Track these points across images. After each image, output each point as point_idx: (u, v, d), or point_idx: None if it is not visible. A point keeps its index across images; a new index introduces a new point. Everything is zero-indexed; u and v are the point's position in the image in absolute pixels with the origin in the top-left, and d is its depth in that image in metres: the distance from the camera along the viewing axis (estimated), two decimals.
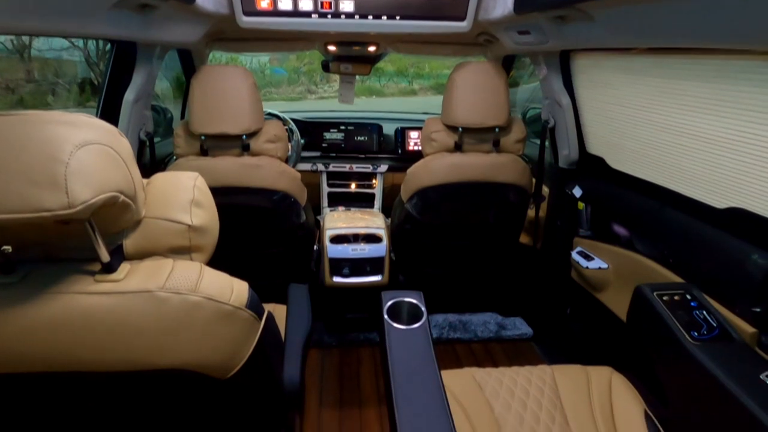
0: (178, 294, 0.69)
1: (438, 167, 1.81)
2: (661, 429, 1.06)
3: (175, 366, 0.72)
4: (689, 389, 1.04)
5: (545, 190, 2.09)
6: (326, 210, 2.56)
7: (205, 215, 0.79)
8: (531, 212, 2.08)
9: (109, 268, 0.69)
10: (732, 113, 1.10)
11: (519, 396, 1.18)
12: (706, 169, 1.22)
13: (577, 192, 1.81)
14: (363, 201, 2.60)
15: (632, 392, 1.16)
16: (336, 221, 2.05)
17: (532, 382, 1.22)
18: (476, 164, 1.80)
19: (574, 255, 1.80)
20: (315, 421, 1.65)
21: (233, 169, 1.66)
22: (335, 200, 2.60)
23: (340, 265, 1.89)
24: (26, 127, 0.58)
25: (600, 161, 1.73)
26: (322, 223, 2.12)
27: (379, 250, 1.90)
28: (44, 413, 0.82)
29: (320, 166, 2.55)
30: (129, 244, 0.73)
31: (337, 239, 1.92)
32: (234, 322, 0.76)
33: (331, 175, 2.59)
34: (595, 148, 1.78)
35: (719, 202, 1.21)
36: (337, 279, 1.90)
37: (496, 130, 1.78)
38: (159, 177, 0.80)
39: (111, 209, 0.65)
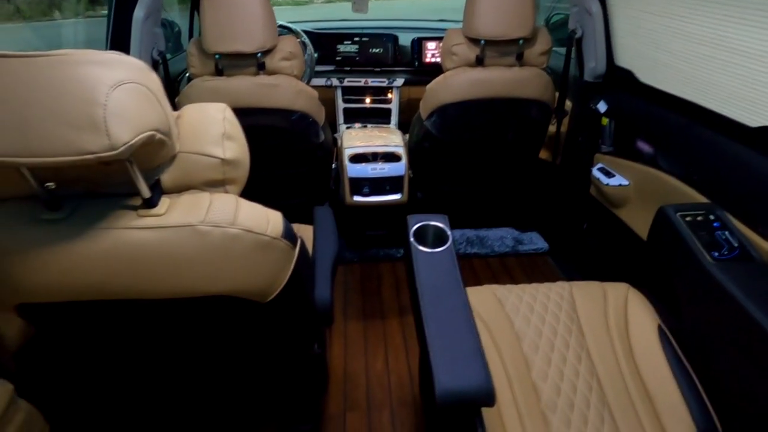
0: (218, 227, 0.72)
1: (458, 83, 1.76)
2: (674, 342, 1.11)
3: (218, 293, 0.77)
4: (705, 306, 1.08)
5: (567, 104, 2.03)
6: (342, 127, 2.53)
7: (236, 148, 0.79)
8: (552, 128, 2.04)
9: (150, 203, 0.71)
10: None
11: (538, 311, 1.23)
12: (742, 86, 1.18)
13: (602, 107, 1.75)
14: (379, 117, 2.56)
15: (647, 307, 1.21)
16: (354, 139, 2.04)
17: (551, 297, 1.27)
18: (498, 80, 1.74)
19: (595, 171, 1.79)
20: (341, 332, 1.75)
21: (249, 89, 1.63)
22: (351, 116, 2.56)
23: (360, 185, 1.91)
24: (59, 68, 0.57)
25: (628, 75, 1.66)
26: (339, 142, 2.11)
27: (399, 168, 1.91)
28: (100, 336, 0.89)
29: (335, 81, 2.48)
30: (166, 179, 0.75)
31: (356, 158, 1.92)
32: (272, 252, 0.79)
33: (346, 90, 2.53)
34: (624, 60, 1.70)
35: (752, 120, 1.17)
36: (357, 198, 1.92)
37: (520, 42, 1.70)
38: (188, 110, 0.79)
39: (148, 147, 0.66)
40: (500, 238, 2.32)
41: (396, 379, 1.57)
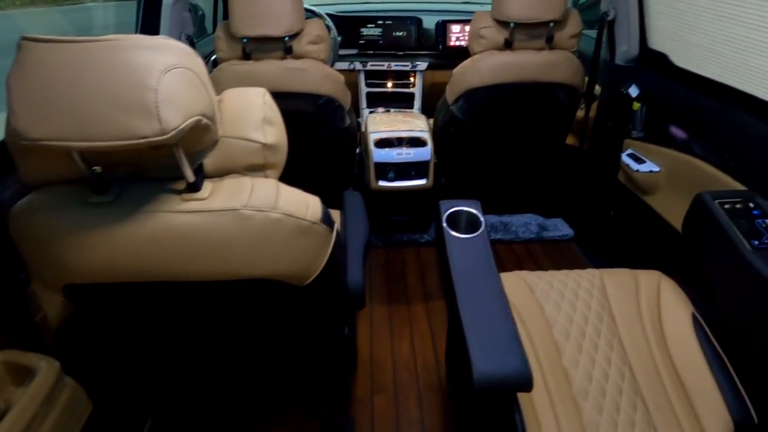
0: (260, 212, 0.72)
1: (486, 67, 1.73)
2: (708, 331, 1.10)
3: (259, 276, 0.78)
4: (743, 296, 1.06)
5: (596, 89, 1.99)
6: (365, 112, 2.52)
7: (276, 132, 0.80)
8: (579, 113, 2.01)
9: (194, 188, 0.72)
10: None
11: (568, 298, 1.23)
12: None
13: (634, 91, 1.72)
14: (402, 101, 2.54)
15: (680, 295, 1.20)
16: (378, 124, 2.03)
17: (581, 284, 1.26)
18: (527, 63, 1.71)
19: (624, 157, 1.76)
20: (366, 316, 1.77)
21: (277, 73, 1.63)
22: (373, 101, 2.55)
23: (385, 170, 1.91)
24: (111, 53, 0.58)
25: (662, 58, 1.62)
26: (364, 126, 2.10)
27: (424, 154, 1.90)
28: (141, 315, 0.91)
29: (358, 65, 2.47)
30: (209, 163, 0.76)
31: (382, 143, 1.91)
32: (311, 236, 0.79)
33: (369, 74, 2.51)
34: (658, 43, 1.65)
35: None
36: (382, 183, 1.92)
37: (551, 24, 1.67)
38: (229, 95, 0.80)
39: (194, 132, 0.66)
40: (525, 224, 2.30)
41: (422, 363, 1.58)
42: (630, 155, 1.75)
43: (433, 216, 2.30)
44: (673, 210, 1.54)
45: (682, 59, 1.54)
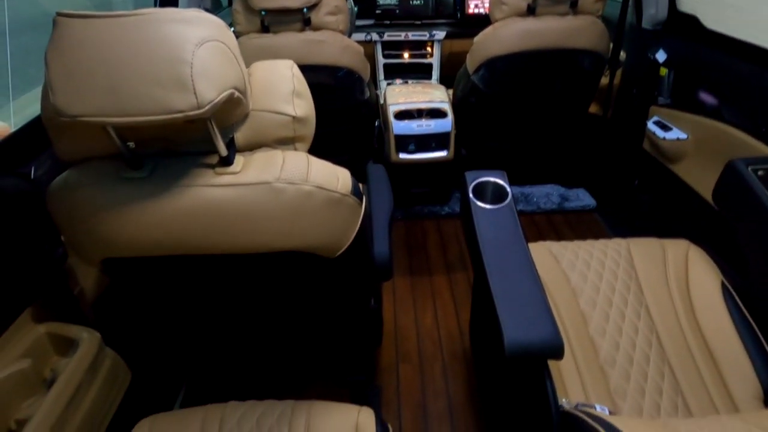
0: (292, 184, 0.73)
1: (508, 35, 1.69)
2: (738, 300, 1.09)
3: (291, 248, 0.79)
4: None
5: (622, 55, 1.94)
6: (383, 83, 2.49)
7: (305, 105, 0.80)
8: (604, 80, 1.96)
9: (227, 161, 0.72)
10: None
11: (595, 267, 1.22)
12: None
13: (661, 56, 1.67)
14: (420, 72, 2.50)
15: (709, 264, 1.18)
16: (397, 96, 2.01)
17: (608, 254, 1.25)
18: (551, 30, 1.66)
19: (650, 125, 1.73)
20: (389, 288, 1.79)
21: (296, 46, 1.61)
22: (391, 72, 2.52)
23: (405, 142, 1.89)
24: (144, 27, 0.58)
25: (693, 20, 1.56)
26: (382, 98, 2.08)
27: (445, 125, 1.88)
28: (176, 288, 0.93)
29: (374, 36, 2.43)
30: (240, 137, 0.76)
31: (401, 115, 1.90)
32: (342, 208, 0.80)
33: (386, 45, 2.47)
34: (688, 5, 1.60)
35: None
36: (402, 155, 1.91)
37: None
38: (258, 67, 0.79)
39: (226, 105, 0.67)
40: (546, 194, 2.28)
41: (446, 333, 1.60)
42: (656, 123, 1.71)
43: (453, 188, 2.29)
44: (701, 178, 1.51)
45: (713, 21, 1.49)
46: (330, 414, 0.90)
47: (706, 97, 1.55)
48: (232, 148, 0.74)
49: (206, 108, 0.59)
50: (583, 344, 1.08)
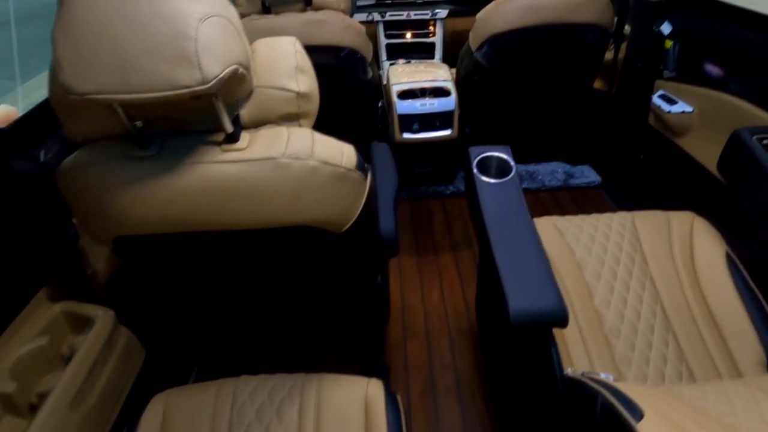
0: (298, 160, 0.74)
1: (511, 10, 1.68)
2: (742, 269, 1.10)
3: (298, 223, 0.80)
4: None
5: (626, 29, 1.92)
6: (386, 64, 2.48)
7: (309, 81, 0.80)
8: (608, 54, 1.94)
9: (233, 138, 0.73)
10: None
11: (599, 240, 1.23)
12: None
13: (666, 29, 1.65)
14: (423, 51, 2.49)
15: (714, 234, 1.19)
16: (400, 75, 2.00)
17: (612, 227, 1.26)
18: (554, 4, 1.65)
19: (655, 99, 1.72)
20: (396, 267, 1.80)
21: (297, 26, 1.61)
22: (393, 52, 2.51)
23: (409, 121, 1.89)
24: (148, 3, 0.58)
25: None
26: (385, 79, 2.08)
27: (448, 103, 1.87)
28: (185, 265, 0.95)
29: (376, 16, 2.41)
30: (244, 114, 0.77)
31: (405, 95, 1.89)
32: (347, 183, 0.81)
33: (388, 25, 2.45)
34: None
35: None
36: (406, 135, 1.91)
37: None
38: (260, 44, 0.80)
39: (231, 81, 0.67)
40: (551, 172, 2.28)
41: (452, 310, 1.62)
42: (661, 96, 1.70)
43: (458, 167, 2.29)
44: (706, 151, 1.51)
45: None
46: (340, 386, 0.93)
47: (712, 69, 1.54)
48: (238, 125, 0.75)
49: (211, 83, 0.60)
50: (587, 315, 1.10)
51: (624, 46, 1.93)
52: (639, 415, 0.59)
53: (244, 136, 0.75)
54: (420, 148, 2.01)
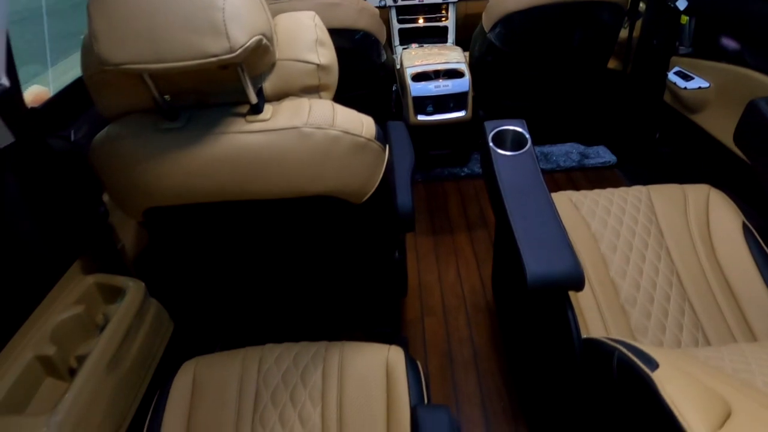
0: (320, 129, 0.76)
1: None
2: (759, 238, 1.11)
3: (320, 192, 0.83)
4: None
5: (641, 6, 1.90)
6: (399, 49, 2.49)
7: (329, 54, 0.83)
8: (623, 33, 1.93)
9: (257, 109, 0.76)
10: None
11: (615, 213, 1.24)
12: None
13: (682, 4, 1.64)
14: (435, 36, 2.49)
15: (730, 206, 1.19)
16: (414, 58, 2.01)
17: (628, 200, 1.27)
18: None
19: (671, 75, 1.71)
20: (412, 247, 1.83)
21: (312, 9, 1.62)
22: (406, 37, 2.51)
23: (423, 103, 1.91)
24: None
25: None
26: (399, 63, 2.09)
27: (462, 85, 1.88)
28: (211, 237, 0.99)
29: (389, 1, 2.42)
30: (267, 87, 0.79)
31: (419, 77, 1.91)
32: (367, 153, 0.83)
33: (401, 10, 2.46)
34: None
35: None
36: (421, 117, 1.93)
37: None
38: (281, 18, 0.83)
39: (255, 52, 0.70)
40: (565, 153, 2.28)
41: (469, 288, 1.65)
42: (677, 73, 1.70)
43: (472, 149, 2.30)
44: (723, 127, 1.50)
45: None
46: (362, 351, 0.96)
47: (729, 43, 1.53)
48: (262, 97, 0.78)
49: (238, 52, 0.63)
50: (604, 286, 1.11)
51: (639, 23, 1.92)
52: (654, 365, 0.61)
53: (268, 108, 0.78)
54: (434, 130, 2.02)
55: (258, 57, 0.73)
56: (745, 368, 0.77)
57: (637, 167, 2.11)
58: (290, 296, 1.26)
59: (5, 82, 0.78)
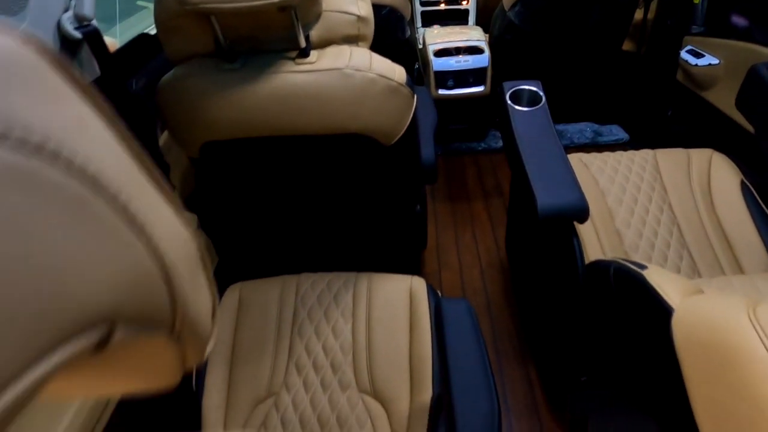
0: (359, 71, 0.88)
1: None
2: (755, 194, 1.20)
3: (357, 131, 0.94)
4: None
5: None
6: (421, 30, 2.59)
7: (367, 6, 0.94)
8: (637, 14, 2.01)
9: (305, 53, 0.88)
10: None
11: (622, 172, 1.34)
12: None
13: None
14: (457, 18, 2.58)
15: (731, 166, 1.28)
16: (436, 37, 2.12)
17: (635, 161, 1.37)
18: None
19: (683, 54, 1.79)
20: (431, 212, 1.94)
21: None
22: (428, 20, 2.61)
23: (444, 78, 2.01)
24: None
25: None
26: (422, 42, 2.20)
27: (482, 60, 1.98)
28: (255, 171, 1.11)
29: None
30: (313, 35, 0.91)
31: (441, 53, 2.01)
32: (399, 96, 0.95)
33: None
34: None
35: None
36: (442, 91, 2.04)
37: None
38: None
39: (306, 2, 0.82)
40: (579, 131, 2.36)
41: (484, 248, 1.75)
42: (689, 51, 1.78)
43: (489, 125, 2.40)
44: (730, 100, 1.58)
45: None
46: (388, 280, 1.08)
47: (738, 20, 1.61)
48: (309, 43, 0.90)
49: None
50: (609, 235, 1.22)
51: (654, 5, 2.00)
52: (644, 267, 0.72)
53: (314, 53, 0.90)
54: (454, 104, 2.13)
55: (308, 6, 0.84)
56: (728, 288, 0.87)
57: (650, 144, 2.18)
58: (322, 237, 1.37)
59: (95, 23, 0.91)
